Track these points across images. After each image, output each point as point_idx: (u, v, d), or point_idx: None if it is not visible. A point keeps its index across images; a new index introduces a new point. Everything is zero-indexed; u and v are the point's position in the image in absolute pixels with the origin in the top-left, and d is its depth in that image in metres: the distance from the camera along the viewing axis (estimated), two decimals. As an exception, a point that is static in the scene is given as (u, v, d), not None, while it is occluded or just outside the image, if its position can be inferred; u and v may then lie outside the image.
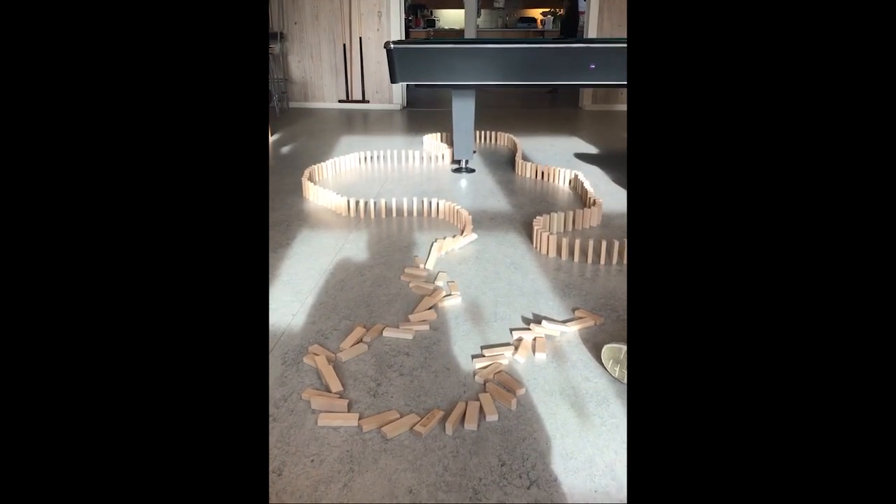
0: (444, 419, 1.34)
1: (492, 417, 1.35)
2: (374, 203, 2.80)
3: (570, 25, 7.43)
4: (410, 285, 2.05)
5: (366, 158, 3.80)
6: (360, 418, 1.35)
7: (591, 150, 4.24)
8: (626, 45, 3.05)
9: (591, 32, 5.85)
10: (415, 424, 1.32)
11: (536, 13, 10.48)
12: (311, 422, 1.35)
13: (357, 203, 2.78)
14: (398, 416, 1.36)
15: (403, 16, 6.07)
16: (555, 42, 3.15)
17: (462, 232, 2.53)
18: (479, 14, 9.61)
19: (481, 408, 1.38)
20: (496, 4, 10.48)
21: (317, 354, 1.60)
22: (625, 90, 5.72)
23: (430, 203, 2.77)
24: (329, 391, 1.45)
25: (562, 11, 8.01)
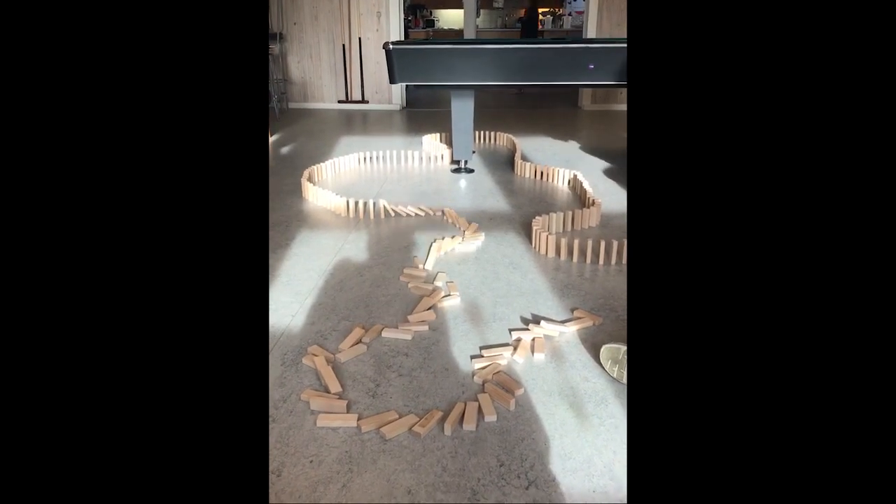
0: (442, 420, 1.34)
1: (490, 418, 1.35)
2: (374, 203, 2.80)
3: (531, 27, 7.78)
4: (409, 286, 2.05)
5: (365, 159, 3.80)
6: (358, 419, 1.35)
7: (591, 149, 4.25)
8: (624, 44, 3.06)
9: (591, 32, 5.85)
10: (413, 425, 1.32)
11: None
12: (310, 422, 1.35)
13: (356, 203, 2.78)
14: (397, 416, 1.36)
15: (402, 16, 6.07)
16: (553, 42, 3.15)
17: (463, 233, 2.53)
18: (478, 14, 9.61)
19: (480, 408, 1.38)
20: (495, 4, 10.49)
21: (316, 355, 1.60)
22: (624, 90, 5.73)
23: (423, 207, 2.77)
24: (328, 392, 1.45)
25: (524, 13, 8.29)
